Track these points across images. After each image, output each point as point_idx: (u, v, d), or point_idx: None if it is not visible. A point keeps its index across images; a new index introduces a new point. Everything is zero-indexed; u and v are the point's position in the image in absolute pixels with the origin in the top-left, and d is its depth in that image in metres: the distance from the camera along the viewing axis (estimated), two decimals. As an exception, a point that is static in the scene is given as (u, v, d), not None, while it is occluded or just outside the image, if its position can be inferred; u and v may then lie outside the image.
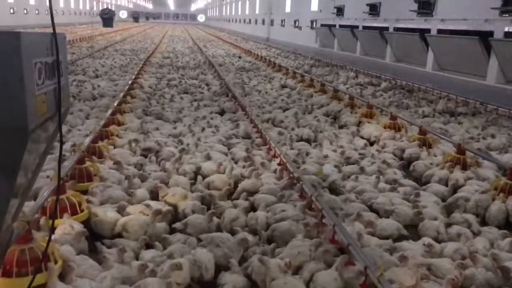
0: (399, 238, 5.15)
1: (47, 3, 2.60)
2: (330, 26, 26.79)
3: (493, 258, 4.51)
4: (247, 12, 59.37)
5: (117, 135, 8.01)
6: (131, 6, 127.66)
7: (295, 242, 4.48)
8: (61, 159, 2.65)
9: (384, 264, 3.73)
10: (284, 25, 38.81)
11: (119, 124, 8.83)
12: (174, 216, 5.25)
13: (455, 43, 15.15)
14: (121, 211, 5.04)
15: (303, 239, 4.54)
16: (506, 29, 13.24)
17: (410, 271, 3.98)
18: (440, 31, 16.55)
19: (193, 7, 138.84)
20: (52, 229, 3.59)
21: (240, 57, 26.61)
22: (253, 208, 5.54)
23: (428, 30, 16.99)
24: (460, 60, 15.34)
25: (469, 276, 4.27)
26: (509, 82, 13.34)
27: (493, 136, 9.56)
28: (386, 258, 4.33)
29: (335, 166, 7.16)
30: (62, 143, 2.49)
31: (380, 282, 3.38)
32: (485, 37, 13.58)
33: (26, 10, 48.62)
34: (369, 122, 10.06)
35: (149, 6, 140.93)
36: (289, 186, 5.91)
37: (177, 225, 4.87)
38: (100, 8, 71.11)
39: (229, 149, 8.00)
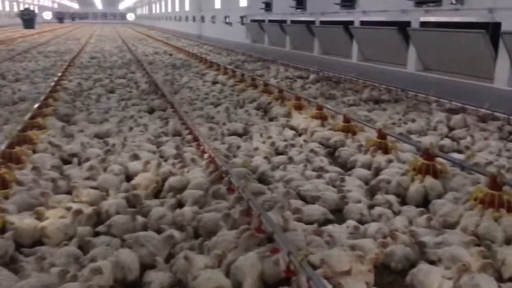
0: (325, 222, 5.30)
1: None
2: (260, 22, 27.03)
3: (411, 235, 4.77)
4: (177, 10, 58.57)
5: (36, 139, 7.64)
6: (55, 6, 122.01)
7: (222, 233, 4.51)
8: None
9: (307, 249, 3.83)
10: (215, 22, 38.68)
11: (40, 128, 8.42)
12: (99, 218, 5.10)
13: (376, 34, 15.79)
14: (39, 217, 4.81)
15: (231, 230, 4.57)
16: (422, 19, 13.97)
17: (346, 255, 4.10)
18: (362, 23, 17.18)
19: (122, 6, 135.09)
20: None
21: (171, 55, 26.26)
22: (181, 205, 5.48)
23: (352, 22, 17.58)
24: (382, 50, 16.01)
25: (389, 253, 4.46)
26: (427, 69, 14.09)
27: (413, 120, 10.07)
28: (314, 243, 4.46)
29: (265, 158, 7.27)
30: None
31: (302, 267, 3.45)
32: (403, 27, 14.26)
33: None
34: (299, 113, 10.28)
35: (75, 6, 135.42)
36: (217, 180, 5.91)
37: (101, 228, 4.72)
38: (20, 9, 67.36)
39: (158, 147, 7.88)
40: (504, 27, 10.95)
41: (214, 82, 15.83)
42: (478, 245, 4.56)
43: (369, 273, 3.98)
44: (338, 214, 5.62)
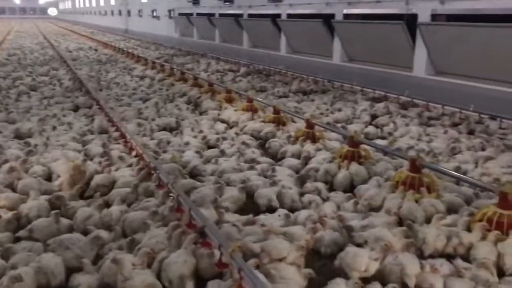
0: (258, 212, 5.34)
1: None
2: (188, 15, 26.68)
3: (339, 220, 4.93)
4: (102, 4, 56.39)
5: None
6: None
7: (153, 231, 4.41)
8: None
9: (237, 241, 3.85)
10: (141, 16, 37.68)
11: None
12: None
13: (303, 26, 16.10)
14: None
15: (161, 228, 4.49)
16: (345, 11, 14.42)
17: (281, 243, 4.16)
18: (289, 16, 17.44)
19: (42, 0, 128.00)
20: None
21: (96, 50, 25.30)
22: (109, 204, 5.31)
23: (279, 15, 17.80)
24: (309, 42, 16.37)
25: (318, 239, 4.58)
26: (352, 60, 14.59)
27: (340, 110, 10.41)
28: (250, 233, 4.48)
29: (196, 152, 7.21)
30: None
31: (233, 258, 3.45)
32: (328, 19, 14.64)
33: None
34: (230, 106, 10.29)
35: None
36: (146, 177, 5.78)
37: (21, 233, 4.47)
38: None
39: (84, 146, 7.58)
40: (420, 19, 11.56)
41: (142, 77, 15.46)
42: (401, 226, 4.80)
43: (300, 258, 4.07)
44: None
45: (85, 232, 4.53)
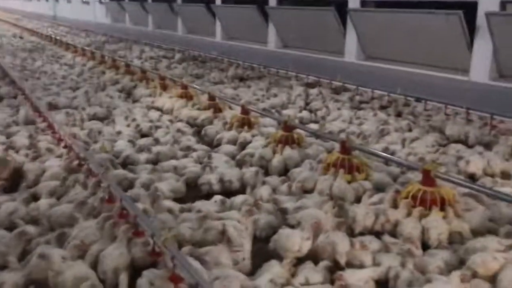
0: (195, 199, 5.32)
1: None
2: (120, 1, 25.78)
3: (274, 202, 5.01)
4: (26, -12, 53.15)
5: None
6: None
7: (83, 224, 4.28)
8: None
9: (171, 228, 3.82)
10: (70, 1, 35.96)
11: None
12: None
13: (237, 12, 16.06)
14: None
15: (92, 220, 4.37)
16: (278, -3, 14.55)
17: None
18: (224, 1, 17.32)
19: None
20: None
21: (21, 38, 23.86)
22: (36, 197, 5.08)
23: (214, 1, 17.62)
24: (244, 29, 16.37)
25: (253, 222, 4.62)
26: (286, 46, 14.76)
27: (275, 95, 10.54)
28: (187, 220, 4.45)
29: (129, 141, 7.04)
30: None
31: (165, 247, 3.42)
32: (262, 5, 14.68)
33: None
34: (165, 94, 10.11)
35: None
36: (75, 168, 5.57)
37: None
38: None
39: (8, 138, 7.16)
40: (350, 5, 11.87)
41: (72, 65, 14.81)
42: (333, 206, 4.94)
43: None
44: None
45: (11, 228, 4.32)
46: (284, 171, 6.25)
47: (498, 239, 4.24)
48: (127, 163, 6.31)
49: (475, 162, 6.04)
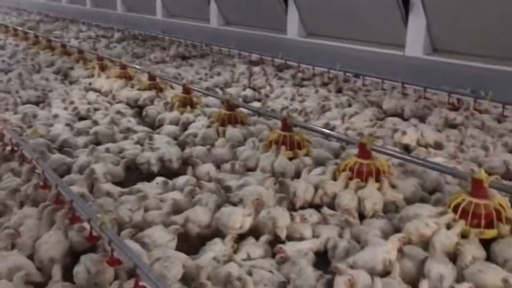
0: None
1: None
2: (54, -23, 24.50)
3: (217, 181, 5.02)
4: None
5: None
6: None
7: (19, 212, 4.13)
8: None
9: (108, 212, 3.75)
10: (-1, -23, 33.69)
11: None
12: None
13: (178, -11, 15.69)
14: None
15: (27, 207, 4.22)
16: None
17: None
18: (164, -22, 16.85)
19: None
20: None
21: None
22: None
23: (153, -23, 17.12)
24: (186, 6, 16.04)
25: (196, 201, 4.62)
26: (228, 23, 14.62)
27: (219, 74, 10.47)
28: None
29: (66, 125, 6.79)
30: None
31: (102, 231, 3.36)
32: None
33: None
34: (103, 74, 9.80)
35: None
36: (7, 155, 5.32)
37: None
38: None
39: None
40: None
41: (3, 46, 14.00)
42: (274, 183, 5.01)
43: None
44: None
45: None
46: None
47: (430, 206, 4.47)
48: (64, 147, 6.11)
49: (409, 134, 6.28)
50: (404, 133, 6.25)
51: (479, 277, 3.46)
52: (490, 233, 4.05)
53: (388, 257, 3.64)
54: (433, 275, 3.48)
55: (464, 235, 4.01)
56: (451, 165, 5.22)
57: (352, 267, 3.56)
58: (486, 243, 3.95)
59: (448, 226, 4.09)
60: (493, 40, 8.65)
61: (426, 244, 3.99)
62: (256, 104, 8.12)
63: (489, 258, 3.83)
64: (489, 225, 4.09)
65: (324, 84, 9.56)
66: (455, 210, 4.22)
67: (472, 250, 3.77)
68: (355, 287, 3.32)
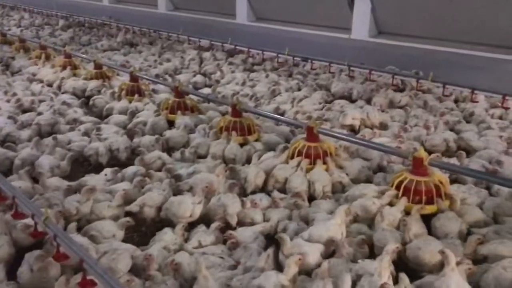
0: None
1: None
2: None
3: (167, 171, 5.00)
4: None
5: None
6: None
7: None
8: None
9: (52, 206, 3.67)
10: None
11: None
12: None
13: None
14: None
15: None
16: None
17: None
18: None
19: None
20: None
21: None
22: None
23: (97, -39, 16.54)
24: (133, -9, 15.64)
25: (146, 191, 4.58)
26: (177, 8, 14.38)
27: (168, 60, 10.32)
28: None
29: (9, 118, 6.53)
30: None
31: (47, 226, 3.30)
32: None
33: None
34: (47, 64, 9.45)
35: None
36: None
37: None
38: None
39: None
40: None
41: None
42: (225, 169, 5.03)
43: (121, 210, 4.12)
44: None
45: None
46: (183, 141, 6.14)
47: (374, 186, 4.64)
48: (8, 141, 5.89)
49: (351, 115, 6.43)
50: (345, 115, 6.40)
51: (420, 252, 3.63)
52: (430, 208, 4.25)
53: (340, 229, 3.78)
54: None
55: (407, 211, 4.19)
56: (395, 145, 5.42)
57: (308, 240, 3.68)
58: (427, 218, 4.15)
59: (392, 203, 4.27)
60: (435, 22, 8.96)
61: (371, 221, 4.16)
62: (207, 90, 8.08)
63: (430, 232, 4.03)
64: (430, 201, 4.30)
65: (275, 69, 9.61)
66: (398, 187, 4.40)
67: (415, 225, 3.96)
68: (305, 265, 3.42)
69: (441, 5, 8.63)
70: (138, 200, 4.31)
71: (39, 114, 6.71)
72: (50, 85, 8.46)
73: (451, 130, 6.34)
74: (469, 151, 5.71)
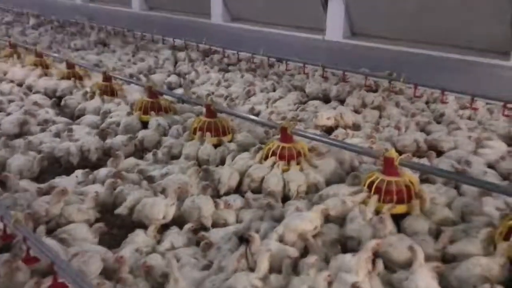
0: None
1: None
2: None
3: (139, 172, 4.95)
4: None
5: None
6: None
7: None
8: None
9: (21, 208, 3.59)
10: None
11: None
12: None
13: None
14: None
15: None
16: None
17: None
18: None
19: None
20: None
21: None
22: None
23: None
24: (106, -10, 15.44)
25: (117, 195, 4.53)
26: (152, 8, 14.26)
27: (142, 60, 10.24)
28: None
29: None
30: None
31: (16, 228, 3.23)
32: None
33: None
34: (17, 63, 9.23)
35: None
36: None
37: None
38: None
39: None
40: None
41: None
42: (198, 171, 4.99)
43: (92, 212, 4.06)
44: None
45: None
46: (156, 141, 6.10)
47: (347, 186, 4.69)
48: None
49: (324, 116, 6.49)
50: (318, 115, 6.47)
51: (389, 250, 3.68)
52: (401, 208, 4.32)
53: (315, 223, 3.82)
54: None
55: (378, 211, 4.24)
56: (367, 145, 5.49)
57: (283, 232, 3.72)
58: (398, 218, 4.22)
59: (364, 203, 4.32)
60: (407, 24, 9.12)
61: (343, 221, 4.20)
62: (182, 91, 8.04)
63: (400, 231, 4.09)
64: (400, 200, 4.37)
65: (250, 69, 9.63)
66: (369, 187, 4.45)
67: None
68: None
69: (413, 8, 8.79)
70: (128, 202, 4.27)
71: (8, 114, 6.56)
72: (20, 84, 8.29)
73: (422, 130, 6.46)
74: (439, 151, 5.83)
